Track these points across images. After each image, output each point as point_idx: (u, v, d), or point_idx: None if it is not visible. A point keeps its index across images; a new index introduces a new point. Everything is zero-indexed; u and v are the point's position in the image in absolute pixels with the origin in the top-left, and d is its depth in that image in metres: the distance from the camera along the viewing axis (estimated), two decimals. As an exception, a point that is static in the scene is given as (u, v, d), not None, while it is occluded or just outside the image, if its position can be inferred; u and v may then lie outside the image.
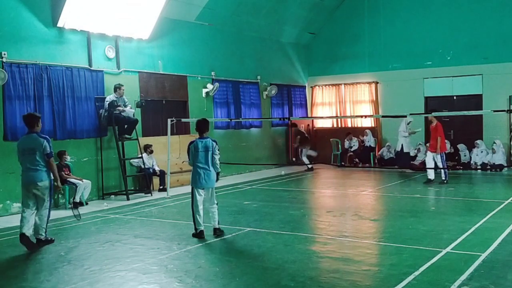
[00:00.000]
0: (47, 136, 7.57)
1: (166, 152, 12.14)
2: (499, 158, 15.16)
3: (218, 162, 7.76)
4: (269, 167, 17.07)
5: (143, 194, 12.06)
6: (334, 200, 11.47)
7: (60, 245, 7.45)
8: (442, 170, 12.73)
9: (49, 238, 7.56)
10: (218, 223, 7.82)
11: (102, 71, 11.98)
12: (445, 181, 12.66)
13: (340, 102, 19.18)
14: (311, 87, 19.79)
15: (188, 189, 13.08)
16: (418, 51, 17.42)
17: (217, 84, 15.08)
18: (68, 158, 10.92)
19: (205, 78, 15.10)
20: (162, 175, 12.64)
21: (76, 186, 10.70)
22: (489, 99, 15.94)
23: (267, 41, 17.67)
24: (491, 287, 5.12)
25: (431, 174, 12.94)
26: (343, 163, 17.67)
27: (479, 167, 15.22)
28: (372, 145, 17.56)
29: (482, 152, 15.54)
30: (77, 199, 10.71)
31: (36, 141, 7.35)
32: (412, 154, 15.91)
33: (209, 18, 14.86)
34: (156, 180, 12.75)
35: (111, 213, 9.87)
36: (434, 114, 12.50)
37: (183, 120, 13.58)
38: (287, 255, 6.53)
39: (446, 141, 13.59)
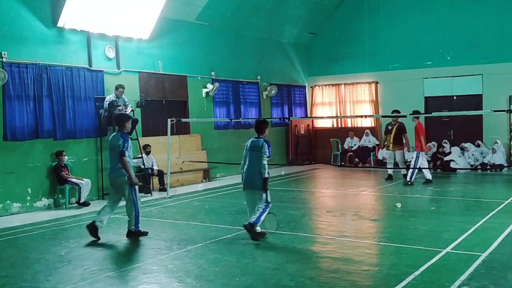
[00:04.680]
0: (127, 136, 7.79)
1: (166, 152, 12.14)
2: (499, 158, 15.14)
3: (265, 165, 7.10)
4: (269, 167, 16.98)
5: (143, 194, 12.04)
6: (334, 200, 11.46)
7: (60, 245, 7.45)
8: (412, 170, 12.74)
9: (141, 231, 7.76)
10: (254, 221, 7.17)
11: (102, 71, 11.98)
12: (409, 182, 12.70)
13: (340, 102, 19.18)
14: (311, 87, 19.79)
15: (187, 189, 13.15)
16: (418, 51, 17.41)
17: (217, 84, 15.08)
18: (66, 158, 10.91)
19: (205, 78, 15.10)
20: (160, 175, 12.64)
21: (79, 187, 10.69)
22: (489, 99, 15.94)
23: (267, 41, 17.67)
24: (491, 287, 5.12)
25: (427, 174, 12.97)
26: (343, 163, 17.66)
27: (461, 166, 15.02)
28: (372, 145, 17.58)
29: (473, 155, 15.49)
30: (82, 199, 10.70)
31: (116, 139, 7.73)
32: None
33: (209, 18, 14.86)
34: (156, 180, 12.75)
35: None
36: (436, 113, 12.55)
37: (183, 120, 13.58)
38: (287, 255, 6.53)
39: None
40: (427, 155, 15.78)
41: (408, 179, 12.70)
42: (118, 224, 8.89)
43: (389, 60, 17.99)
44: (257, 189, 7.19)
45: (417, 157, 12.71)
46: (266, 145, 7.14)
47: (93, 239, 7.57)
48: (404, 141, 13.35)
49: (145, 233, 7.76)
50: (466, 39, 16.64)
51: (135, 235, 7.67)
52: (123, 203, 7.91)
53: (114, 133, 7.93)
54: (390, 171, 13.83)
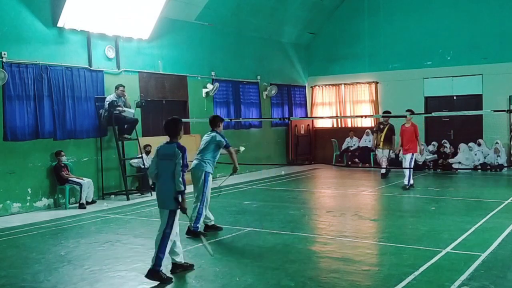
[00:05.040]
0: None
1: (166, 152, 12.12)
2: (500, 158, 15.14)
3: (179, 177, 5.61)
4: (269, 167, 17.07)
5: (139, 194, 12.05)
6: (334, 200, 11.47)
7: (60, 245, 7.45)
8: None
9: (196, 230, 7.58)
10: (153, 265, 5.58)
11: (102, 71, 11.98)
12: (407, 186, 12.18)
13: (340, 102, 19.18)
14: (311, 87, 19.79)
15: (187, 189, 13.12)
16: (418, 51, 17.41)
17: (217, 84, 15.08)
18: (65, 158, 10.88)
19: (205, 78, 15.10)
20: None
21: (81, 186, 10.66)
22: (489, 99, 15.93)
23: (267, 41, 17.66)
24: (491, 287, 5.12)
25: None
26: (349, 162, 17.52)
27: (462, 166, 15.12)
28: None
29: (476, 154, 15.48)
30: (83, 200, 10.66)
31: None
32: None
33: (209, 18, 14.86)
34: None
35: (111, 213, 9.87)
36: (436, 113, 12.58)
37: (183, 120, 13.52)
38: (287, 255, 6.53)
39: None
40: (422, 156, 15.83)
41: (406, 183, 12.14)
42: (118, 224, 8.90)
43: (389, 60, 17.99)
44: (163, 207, 5.85)
45: (411, 158, 12.29)
46: (180, 152, 5.70)
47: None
48: (393, 141, 13.91)
49: (204, 234, 7.45)
50: (466, 39, 16.63)
51: (192, 234, 7.53)
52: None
53: (209, 132, 8.01)
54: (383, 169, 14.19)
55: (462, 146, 15.58)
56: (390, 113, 13.80)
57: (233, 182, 14.03)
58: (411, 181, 12.16)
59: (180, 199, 5.69)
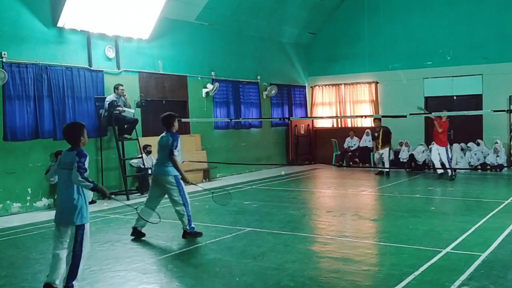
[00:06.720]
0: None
1: (166, 152, 12.13)
2: (500, 158, 15.13)
3: (79, 177, 5.34)
4: (269, 167, 17.08)
5: (139, 194, 12.05)
6: (334, 200, 11.47)
7: (60, 245, 7.44)
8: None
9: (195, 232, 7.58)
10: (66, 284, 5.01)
11: (102, 71, 11.98)
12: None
13: (340, 102, 19.19)
14: (311, 87, 19.79)
15: (187, 189, 13.12)
16: (418, 51, 17.41)
17: (217, 84, 15.09)
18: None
19: (205, 78, 15.10)
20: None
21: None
22: (489, 99, 15.94)
23: (267, 41, 17.66)
24: (491, 287, 5.12)
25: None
26: (350, 163, 17.54)
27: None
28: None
29: (476, 154, 15.49)
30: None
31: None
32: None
33: (209, 18, 14.86)
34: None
35: (111, 213, 9.87)
36: (436, 113, 12.62)
37: (183, 120, 13.57)
38: (287, 255, 6.53)
39: None
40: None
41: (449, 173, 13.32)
42: (118, 224, 8.90)
43: (389, 60, 17.99)
44: (67, 224, 5.42)
45: (446, 151, 13.59)
46: (78, 159, 5.48)
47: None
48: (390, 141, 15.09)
49: (200, 234, 7.60)
50: (466, 39, 16.63)
51: (190, 235, 7.52)
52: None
53: (164, 135, 7.72)
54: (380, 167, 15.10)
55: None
56: (380, 118, 14.87)
57: (233, 182, 14.05)
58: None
59: (96, 190, 5.42)
